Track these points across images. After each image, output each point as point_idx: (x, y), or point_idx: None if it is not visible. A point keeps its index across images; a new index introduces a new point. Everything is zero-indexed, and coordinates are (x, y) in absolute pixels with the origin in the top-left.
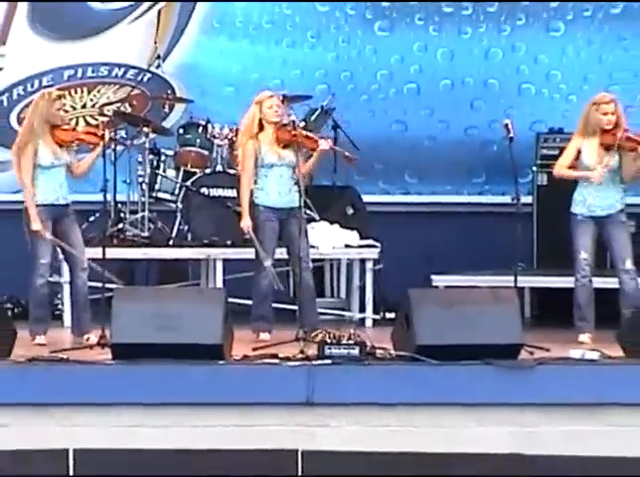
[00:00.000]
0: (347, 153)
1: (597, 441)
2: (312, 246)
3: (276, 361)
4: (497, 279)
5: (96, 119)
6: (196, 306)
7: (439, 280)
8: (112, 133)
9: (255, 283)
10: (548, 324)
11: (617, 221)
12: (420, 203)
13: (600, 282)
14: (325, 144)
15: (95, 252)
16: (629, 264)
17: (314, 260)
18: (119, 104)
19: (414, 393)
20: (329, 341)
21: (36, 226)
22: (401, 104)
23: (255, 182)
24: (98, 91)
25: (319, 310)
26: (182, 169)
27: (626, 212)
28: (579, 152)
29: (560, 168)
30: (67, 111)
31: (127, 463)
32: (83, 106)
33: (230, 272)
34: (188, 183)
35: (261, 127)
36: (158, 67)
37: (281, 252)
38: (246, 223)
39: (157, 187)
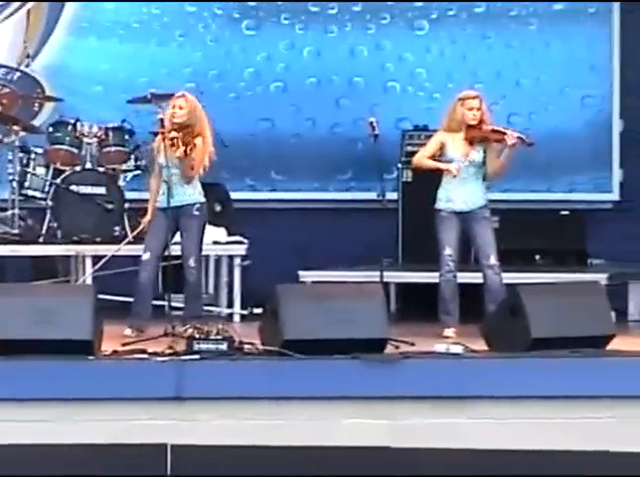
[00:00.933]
0: None
1: (462, 434)
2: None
3: (145, 356)
4: (363, 275)
5: None
6: (65, 302)
7: (306, 276)
8: None
9: (136, 279)
10: (413, 318)
11: (481, 216)
12: (287, 199)
13: (465, 277)
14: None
15: None
16: (493, 260)
17: (179, 257)
18: None
19: (282, 387)
20: (197, 336)
21: None
22: (268, 102)
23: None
24: None
25: (177, 305)
26: (52, 167)
27: (489, 207)
28: (443, 147)
29: (421, 158)
30: None
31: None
32: None
33: (101, 269)
34: (57, 180)
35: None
36: (28, 66)
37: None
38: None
39: (27, 184)
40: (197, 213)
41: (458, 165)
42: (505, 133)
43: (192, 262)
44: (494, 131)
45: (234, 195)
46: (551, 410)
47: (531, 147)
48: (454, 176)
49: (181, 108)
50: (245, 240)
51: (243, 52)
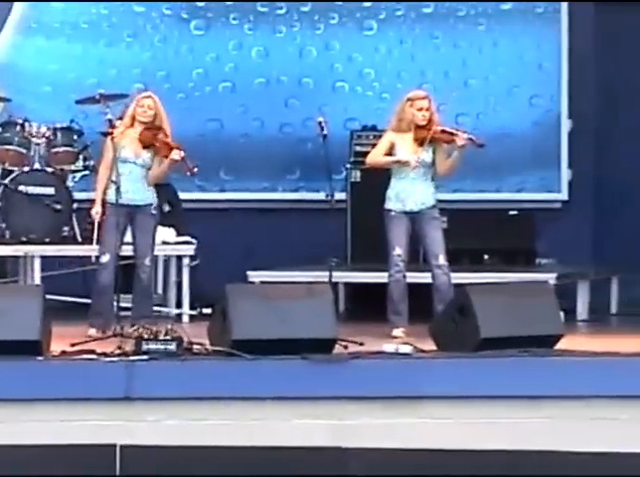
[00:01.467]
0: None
1: (412, 434)
2: (128, 243)
3: (94, 356)
4: (312, 275)
5: None
6: (13, 303)
7: (255, 276)
8: None
9: (95, 279)
10: (362, 318)
11: (430, 216)
12: (236, 200)
13: (414, 277)
14: (177, 155)
15: None
16: (442, 260)
17: (129, 257)
18: None
19: (231, 387)
20: (146, 337)
21: None
22: (217, 102)
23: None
24: None
25: (127, 306)
26: (0, 167)
27: (438, 207)
28: (392, 147)
29: (375, 155)
30: None
31: None
32: None
33: (49, 269)
34: (6, 181)
35: (133, 124)
36: None
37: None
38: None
39: None
40: (154, 212)
41: (415, 159)
42: (455, 134)
43: (147, 261)
44: (443, 132)
45: (182, 195)
46: (500, 410)
47: (481, 148)
48: (413, 168)
49: (150, 108)
50: (194, 241)
51: (192, 52)
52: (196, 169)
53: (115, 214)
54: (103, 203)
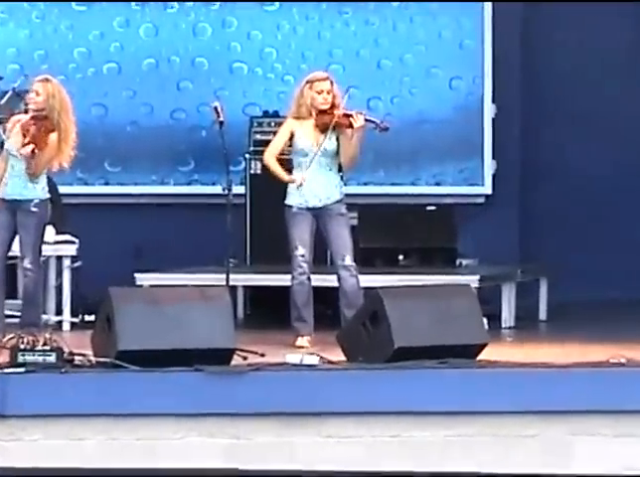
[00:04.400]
0: None
1: (315, 454)
2: None
3: None
4: (207, 277)
5: None
6: None
7: (144, 278)
8: None
9: None
10: (263, 326)
11: (336, 212)
12: (122, 194)
13: (320, 280)
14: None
15: None
16: (349, 260)
17: (14, 258)
18: None
19: (117, 403)
20: (22, 347)
21: None
22: (101, 86)
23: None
24: None
25: (10, 313)
26: None
27: (346, 202)
28: (293, 136)
29: (268, 156)
30: None
31: None
32: None
33: None
34: None
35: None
36: None
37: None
38: None
39: None
40: (35, 209)
41: (303, 176)
42: (350, 115)
43: (27, 263)
44: (346, 116)
45: (62, 189)
46: (413, 428)
47: (385, 132)
48: (299, 186)
49: (38, 94)
50: (76, 240)
51: (73, 30)
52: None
53: (3, 209)
54: None
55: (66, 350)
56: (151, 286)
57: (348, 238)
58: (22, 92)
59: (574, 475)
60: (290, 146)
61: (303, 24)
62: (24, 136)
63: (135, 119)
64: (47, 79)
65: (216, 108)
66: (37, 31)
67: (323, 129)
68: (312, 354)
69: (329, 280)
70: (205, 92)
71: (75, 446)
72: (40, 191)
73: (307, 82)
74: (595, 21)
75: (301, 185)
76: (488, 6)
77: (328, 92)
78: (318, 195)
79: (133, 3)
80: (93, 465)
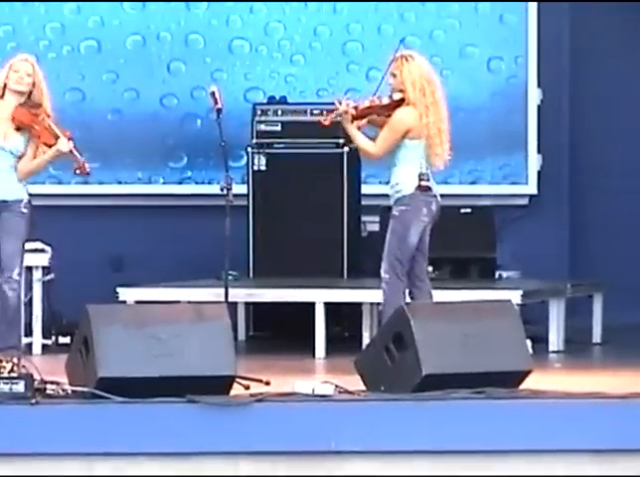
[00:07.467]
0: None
1: None
2: None
3: None
4: (202, 292)
5: None
6: None
7: (127, 293)
8: None
9: None
10: (268, 349)
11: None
12: (103, 194)
13: (330, 295)
14: (64, 146)
15: None
16: (381, 270)
17: None
18: None
19: (95, 439)
20: None
21: None
22: (77, 67)
23: None
24: None
25: None
26: None
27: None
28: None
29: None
30: None
31: None
32: None
33: None
34: None
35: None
36: None
37: None
38: None
39: None
40: (25, 210)
41: None
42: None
43: (15, 275)
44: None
45: (31, 188)
46: (446, 469)
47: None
48: None
49: (28, 75)
50: (48, 248)
51: (45, 2)
52: (88, 166)
53: None
54: None
55: (36, 377)
56: (136, 303)
57: (386, 244)
58: None
59: None
60: None
61: None
62: (17, 128)
63: (118, 107)
64: (28, 59)
65: (212, 94)
66: (2, 3)
67: None
68: (326, 382)
69: (343, 296)
70: (200, 75)
71: None
72: (24, 189)
73: None
74: None
75: None
76: None
77: None
78: None
79: None
80: None
